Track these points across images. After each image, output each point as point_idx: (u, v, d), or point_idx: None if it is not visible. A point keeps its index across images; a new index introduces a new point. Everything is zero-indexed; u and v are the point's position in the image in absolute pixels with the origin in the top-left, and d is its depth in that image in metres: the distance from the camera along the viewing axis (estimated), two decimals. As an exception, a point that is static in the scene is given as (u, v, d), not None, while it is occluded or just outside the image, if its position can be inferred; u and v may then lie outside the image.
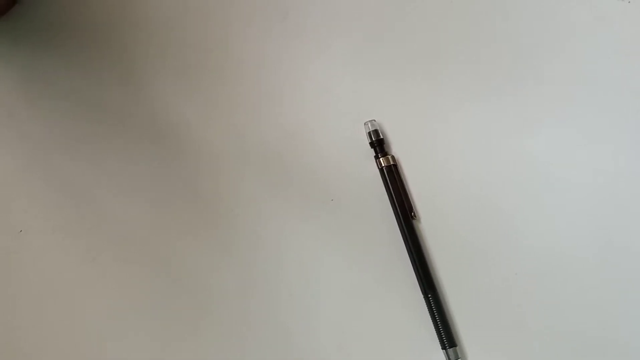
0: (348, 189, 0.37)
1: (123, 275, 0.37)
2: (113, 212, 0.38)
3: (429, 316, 0.34)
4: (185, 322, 0.36)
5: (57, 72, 0.41)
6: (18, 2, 0.43)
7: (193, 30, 0.41)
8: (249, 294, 0.36)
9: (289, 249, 0.36)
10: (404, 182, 0.36)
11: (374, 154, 0.36)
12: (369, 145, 0.36)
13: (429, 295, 0.34)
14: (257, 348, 0.35)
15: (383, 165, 0.36)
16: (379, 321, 0.35)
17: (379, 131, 0.36)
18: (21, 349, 0.37)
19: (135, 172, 0.39)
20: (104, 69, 0.41)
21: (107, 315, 0.37)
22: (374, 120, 0.37)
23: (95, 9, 0.42)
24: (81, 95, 0.41)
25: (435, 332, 0.33)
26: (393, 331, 0.34)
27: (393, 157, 0.36)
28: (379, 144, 0.36)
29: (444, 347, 0.33)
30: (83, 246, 0.38)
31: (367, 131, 0.36)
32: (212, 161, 0.39)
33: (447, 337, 0.33)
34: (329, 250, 0.36)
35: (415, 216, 0.35)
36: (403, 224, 0.35)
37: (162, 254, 0.37)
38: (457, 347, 0.33)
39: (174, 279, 0.37)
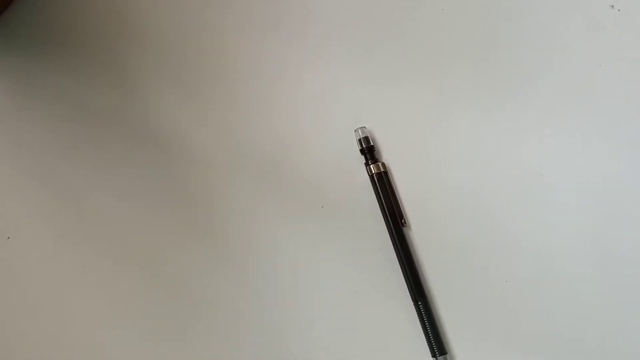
0: (339, 195, 0.37)
1: (113, 282, 0.37)
2: (104, 218, 0.38)
3: (419, 324, 0.34)
4: (177, 329, 0.36)
5: (49, 76, 0.41)
6: (8, 9, 0.43)
7: (187, 37, 0.41)
8: (241, 300, 0.36)
9: (280, 255, 0.36)
10: (395, 189, 0.36)
11: (365, 161, 0.36)
12: (359, 152, 0.36)
13: (419, 303, 0.34)
14: (249, 354, 0.35)
15: (373, 172, 0.36)
16: (370, 328, 0.35)
17: (370, 138, 0.36)
18: (9, 357, 0.37)
19: (127, 178, 0.39)
20: (97, 74, 0.41)
21: (98, 323, 0.37)
22: (365, 127, 0.37)
23: (89, 15, 0.42)
24: (73, 100, 0.41)
25: (425, 339, 0.33)
26: (383, 338, 0.34)
27: (383, 164, 0.36)
28: (369, 151, 0.36)
29: (434, 355, 0.33)
30: (73, 252, 0.38)
31: (358, 138, 0.36)
32: (205, 167, 0.38)
33: (437, 345, 0.33)
34: (319, 256, 0.36)
35: (405, 223, 0.35)
36: (393, 231, 0.35)
37: (154, 259, 0.37)
38: (448, 355, 0.33)
39: (165, 284, 0.37)
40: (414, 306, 0.34)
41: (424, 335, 0.33)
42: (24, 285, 0.38)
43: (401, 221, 0.35)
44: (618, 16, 0.37)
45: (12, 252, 0.38)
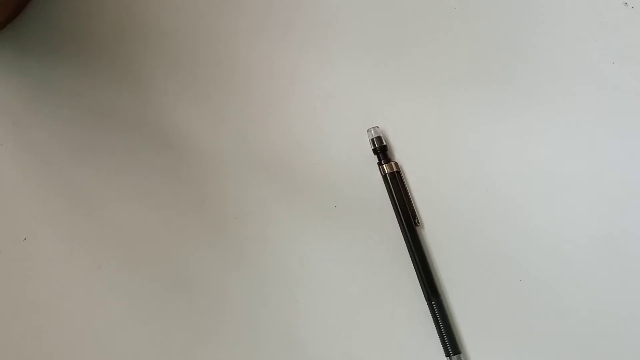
0: (352, 195, 0.37)
1: (129, 284, 0.37)
2: (119, 220, 0.38)
3: (433, 323, 0.34)
4: (191, 330, 0.36)
5: (63, 79, 0.41)
6: (21, 12, 0.43)
7: (200, 39, 0.41)
8: (254, 300, 0.36)
9: (293, 255, 0.36)
10: (407, 189, 0.36)
11: (377, 161, 0.36)
12: (372, 151, 0.36)
13: (433, 302, 0.34)
14: (263, 354, 0.35)
15: (386, 171, 0.36)
16: (383, 328, 0.35)
17: (382, 138, 0.36)
18: (26, 357, 0.37)
19: (142, 180, 0.39)
20: (111, 77, 0.41)
21: (113, 324, 0.37)
22: (377, 127, 0.37)
23: (103, 18, 0.42)
24: (87, 103, 0.41)
25: (439, 339, 0.33)
26: (397, 338, 0.34)
27: (396, 163, 0.36)
28: (382, 151, 0.36)
29: (448, 355, 0.33)
30: (88, 254, 0.38)
31: (370, 138, 0.36)
32: (218, 168, 0.39)
33: (451, 344, 0.33)
34: (332, 256, 0.36)
35: (418, 222, 0.35)
36: (406, 231, 0.35)
37: (169, 260, 0.37)
38: (462, 355, 0.33)
39: (180, 285, 0.37)
40: (427, 305, 0.34)
41: (437, 334, 0.33)
42: (41, 285, 0.38)
43: (414, 220, 0.35)
44: (631, 14, 0.37)
45: (29, 253, 0.39)
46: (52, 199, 0.39)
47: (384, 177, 0.36)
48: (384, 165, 0.36)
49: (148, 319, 0.37)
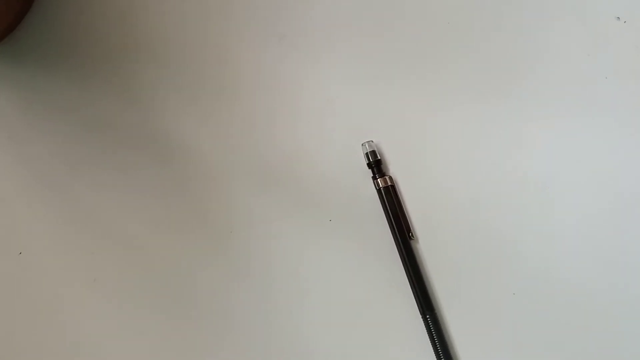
0: (346, 209, 0.37)
1: (125, 296, 0.37)
2: (115, 234, 0.39)
3: (428, 337, 0.34)
4: (188, 343, 0.36)
5: (60, 93, 0.41)
6: (18, 26, 0.43)
7: (198, 51, 0.41)
8: (249, 315, 0.36)
9: (288, 269, 0.37)
10: (402, 203, 0.36)
11: (372, 175, 0.36)
12: (366, 165, 0.37)
13: (428, 316, 0.34)
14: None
15: (381, 185, 0.36)
16: (378, 342, 0.35)
17: (377, 152, 0.36)
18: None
19: (139, 194, 0.39)
20: (108, 89, 0.41)
21: (109, 338, 0.37)
22: (372, 141, 0.37)
23: (104, 32, 0.42)
24: (84, 116, 0.41)
25: (434, 353, 0.33)
26: (391, 352, 0.35)
27: (391, 177, 0.36)
28: (376, 165, 0.36)
29: (442, 369, 0.33)
30: (84, 267, 0.38)
31: (365, 152, 0.37)
32: (213, 183, 0.39)
33: (445, 358, 0.33)
34: (326, 270, 0.36)
35: (413, 236, 0.35)
36: (401, 244, 0.35)
37: (165, 274, 0.38)
38: (456, 369, 0.33)
39: (175, 299, 0.37)
40: (422, 320, 0.34)
41: (432, 349, 0.33)
42: (37, 299, 0.38)
43: (408, 234, 0.35)
44: (624, 28, 0.37)
45: (25, 267, 0.39)
46: (48, 213, 0.39)
47: (379, 191, 0.36)
48: (379, 179, 0.36)
49: (145, 333, 0.37)
